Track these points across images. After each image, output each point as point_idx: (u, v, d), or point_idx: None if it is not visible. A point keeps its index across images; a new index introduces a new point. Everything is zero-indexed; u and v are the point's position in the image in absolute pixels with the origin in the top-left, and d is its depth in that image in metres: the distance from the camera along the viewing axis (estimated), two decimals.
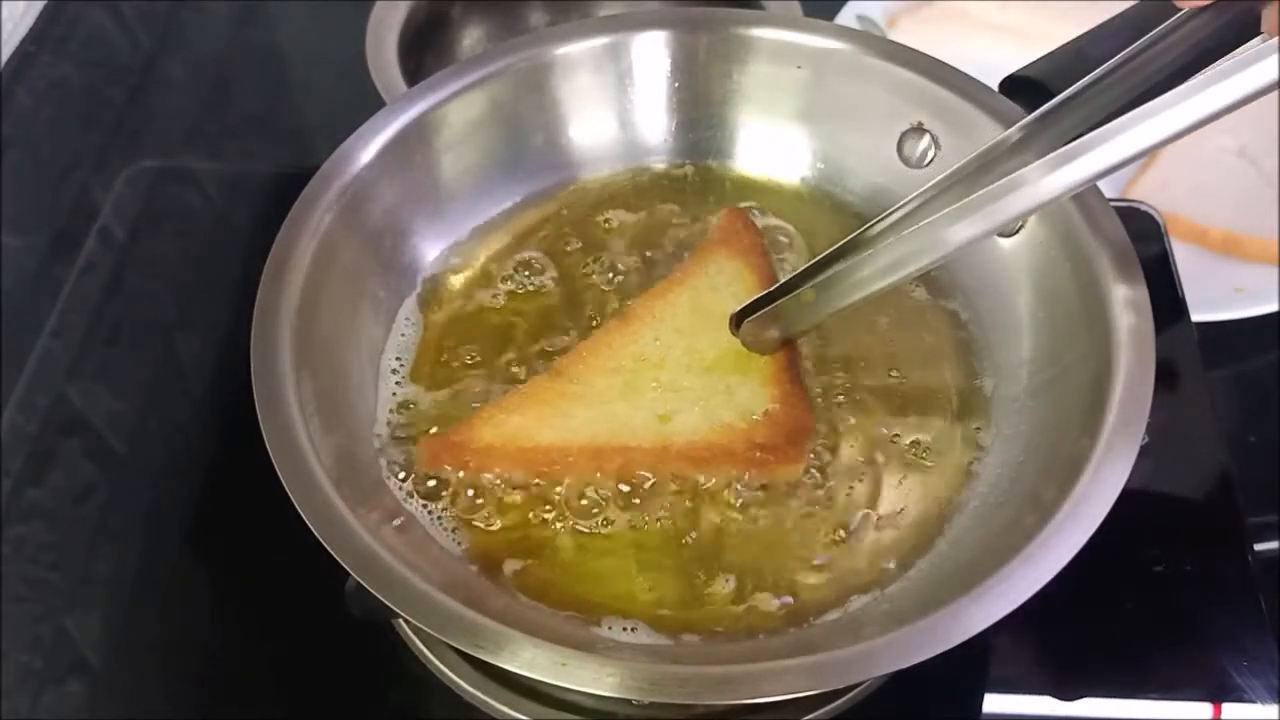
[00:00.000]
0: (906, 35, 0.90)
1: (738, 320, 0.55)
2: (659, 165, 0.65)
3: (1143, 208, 0.73)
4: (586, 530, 0.51)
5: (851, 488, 0.52)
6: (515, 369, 0.56)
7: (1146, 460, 0.46)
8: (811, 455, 0.53)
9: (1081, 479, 0.45)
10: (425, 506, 0.51)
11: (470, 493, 0.52)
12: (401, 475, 0.52)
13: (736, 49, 0.62)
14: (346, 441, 0.50)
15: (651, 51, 0.63)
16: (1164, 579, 0.58)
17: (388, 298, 0.58)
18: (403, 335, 0.58)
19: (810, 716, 0.52)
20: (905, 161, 0.61)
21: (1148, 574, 0.58)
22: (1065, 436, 0.48)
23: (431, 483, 0.52)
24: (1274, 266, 0.77)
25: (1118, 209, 0.53)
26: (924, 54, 0.60)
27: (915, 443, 0.54)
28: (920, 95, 0.60)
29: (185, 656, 0.57)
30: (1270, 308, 0.73)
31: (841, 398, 0.55)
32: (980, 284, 0.58)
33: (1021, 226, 0.56)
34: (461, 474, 0.52)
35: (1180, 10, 0.48)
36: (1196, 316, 0.68)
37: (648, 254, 0.61)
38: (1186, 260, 0.72)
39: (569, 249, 0.62)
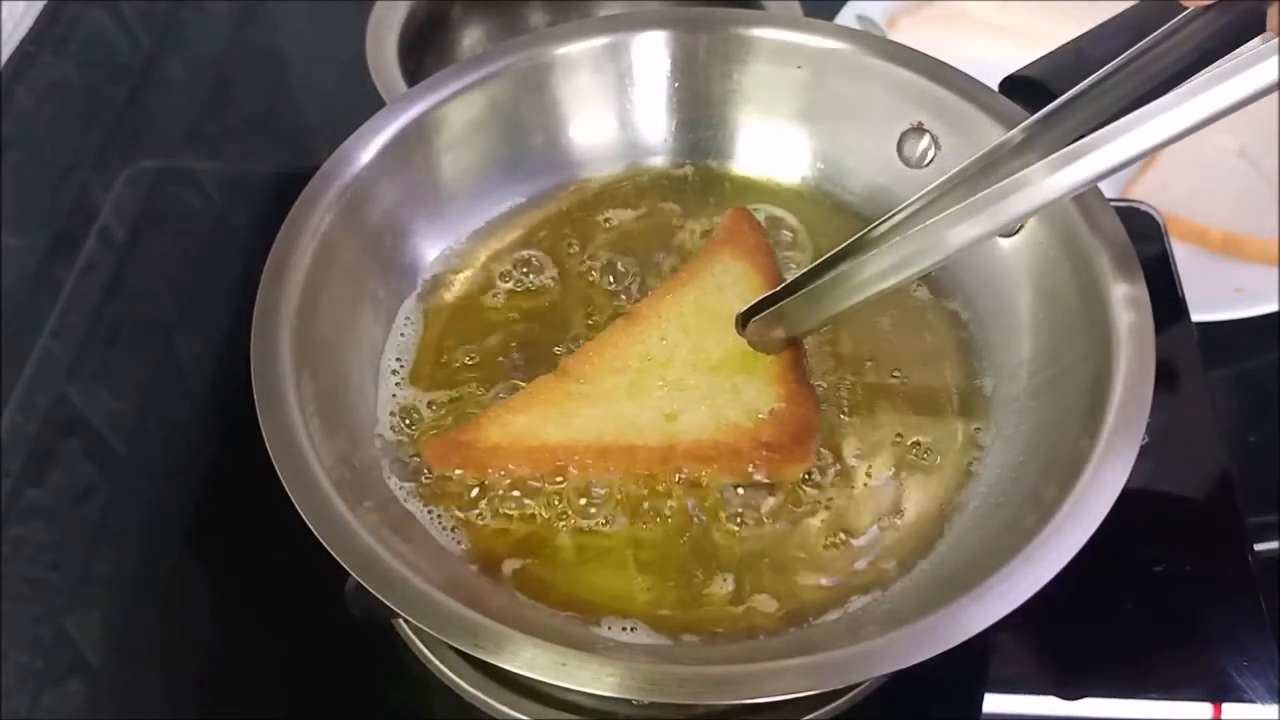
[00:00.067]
0: (906, 35, 0.90)
1: (744, 320, 0.55)
2: (659, 165, 0.65)
3: (1143, 208, 0.73)
4: (586, 530, 0.51)
5: (852, 488, 0.52)
6: (515, 369, 0.56)
7: (1146, 460, 0.46)
8: None
9: (1081, 479, 0.45)
10: (425, 506, 0.51)
11: (471, 493, 0.52)
12: (401, 475, 0.52)
13: (736, 49, 0.62)
14: (346, 441, 0.50)
15: (651, 51, 0.63)
16: (1164, 579, 0.58)
17: (388, 298, 0.58)
18: (403, 335, 0.58)
19: (810, 716, 0.52)
20: (905, 161, 0.61)
21: (1148, 574, 0.59)
22: (1065, 436, 0.48)
23: (431, 482, 0.52)
24: (1274, 266, 0.77)
25: (1118, 209, 0.53)
26: (924, 54, 0.60)
27: (916, 443, 0.54)
28: (920, 95, 0.60)
29: (185, 656, 0.57)
30: (1270, 308, 0.73)
31: (842, 397, 0.55)
32: (980, 284, 0.58)
33: (1022, 227, 0.56)
34: (462, 473, 0.52)
35: (1181, 11, 0.48)
36: (1196, 316, 0.68)
37: (647, 254, 0.61)
38: (1186, 260, 0.73)
39: (569, 249, 0.62)
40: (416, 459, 0.53)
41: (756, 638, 0.48)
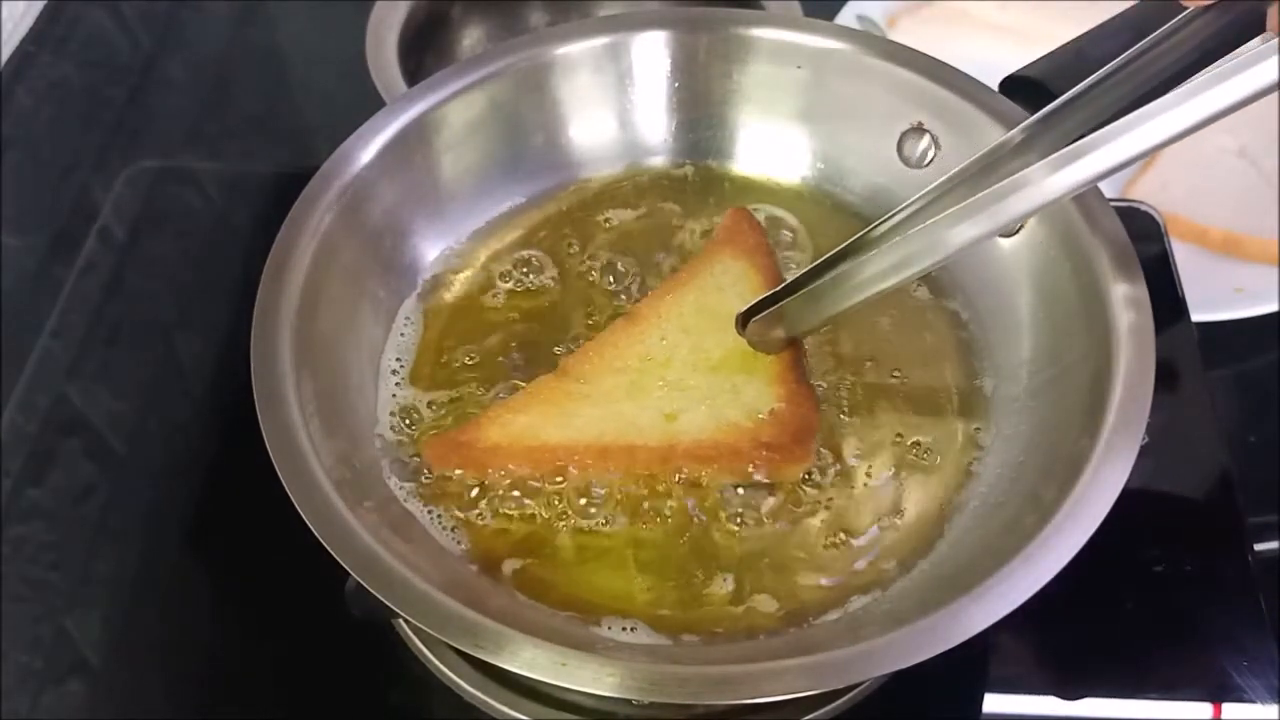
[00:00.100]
0: (906, 35, 0.90)
1: (744, 320, 0.55)
2: (659, 165, 0.65)
3: (1143, 208, 0.73)
4: (586, 530, 0.51)
5: (852, 488, 0.52)
6: (515, 369, 0.56)
7: (1146, 460, 0.46)
8: None
9: (1081, 479, 0.45)
10: (425, 506, 0.51)
11: (471, 493, 0.52)
12: (401, 475, 0.52)
13: (736, 49, 0.62)
14: (346, 441, 0.50)
15: (651, 51, 0.63)
16: (1164, 579, 0.58)
17: (388, 298, 0.58)
18: (402, 335, 0.58)
19: (810, 716, 0.52)
20: (905, 161, 0.61)
21: (1148, 574, 0.59)
22: (1065, 436, 0.48)
23: (431, 482, 0.52)
24: (1274, 266, 0.77)
25: (1118, 209, 0.53)
26: (924, 54, 0.60)
27: (916, 443, 0.54)
28: (920, 95, 0.60)
29: (185, 656, 0.57)
30: (1270, 308, 0.73)
31: (842, 397, 0.55)
32: (980, 284, 0.58)
33: (1022, 227, 0.56)
34: (462, 473, 0.52)
35: (1181, 11, 0.48)
36: (1196, 316, 0.68)
37: (647, 254, 0.61)
38: (1186, 260, 0.73)
39: (569, 249, 0.62)
40: (416, 459, 0.53)
41: (756, 638, 0.48)
